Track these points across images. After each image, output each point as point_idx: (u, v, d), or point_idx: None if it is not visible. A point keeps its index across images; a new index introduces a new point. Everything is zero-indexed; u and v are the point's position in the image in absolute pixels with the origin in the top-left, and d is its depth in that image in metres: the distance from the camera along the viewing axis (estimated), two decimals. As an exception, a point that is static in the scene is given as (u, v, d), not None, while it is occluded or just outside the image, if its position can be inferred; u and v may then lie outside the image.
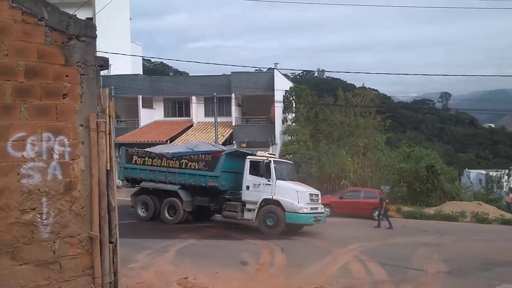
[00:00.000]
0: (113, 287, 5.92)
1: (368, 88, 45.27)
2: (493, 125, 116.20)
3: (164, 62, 79.52)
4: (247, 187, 15.99)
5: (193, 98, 32.98)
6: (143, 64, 45.79)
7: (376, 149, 28.79)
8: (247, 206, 16.02)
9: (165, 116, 34.94)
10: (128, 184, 18.63)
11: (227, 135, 30.86)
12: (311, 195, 15.96)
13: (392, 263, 11.32)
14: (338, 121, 29.86)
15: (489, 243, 16.27)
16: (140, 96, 32.66)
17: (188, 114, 34.39)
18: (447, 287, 8.95)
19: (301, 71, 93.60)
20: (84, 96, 5.66)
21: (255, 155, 16.76)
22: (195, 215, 17.76)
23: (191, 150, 17.24)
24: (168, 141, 29.54)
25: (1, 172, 5.02)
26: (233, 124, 31.71)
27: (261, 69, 33.43)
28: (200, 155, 16.69)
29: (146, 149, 17.94)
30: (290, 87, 34.66)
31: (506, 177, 35.86)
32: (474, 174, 53.71)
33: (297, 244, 14.25)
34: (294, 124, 32.52)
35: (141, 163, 17.52)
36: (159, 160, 17.21)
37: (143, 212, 17.48)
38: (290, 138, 30.71)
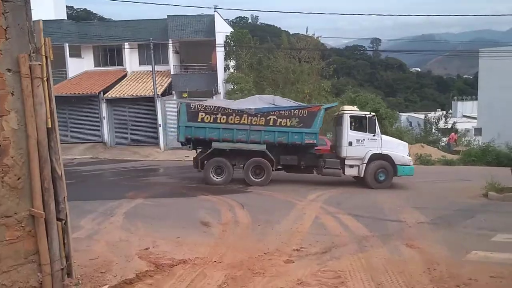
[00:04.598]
0: (66, 274, 4.77)
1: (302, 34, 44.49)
2: (419, 69, 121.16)
3: (88, 9, 73.96)
4: (350, 143, 15.32)
5: (126, 44, 30.47)
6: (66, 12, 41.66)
7: (321, 95, 28.39)
8: (348, 162, 15.42)
9: (95, 65, 32.17)
10: (190, 146, 16.21)
11: (166, 84, 29.00)
12: None
13: (365, 214, 10.84)
14: (282, 68, 28.89)
15: (446, 184, 16.44)
16: (67, 44, 29.68)
17: (120, 63, 31.85)
18: (440, 241, 8.45)
19: (234, 18, 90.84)
20: (10, 31, 4.24)
21: (347, 110, 16.00)
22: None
23: (277, 106, 15.53)
24: (101, 92, 27.36)
25: None
26: (172, 72, 29.82)
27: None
28: (292, 110, 15.17)
29: (217, 105, 15.65)
30: (231, 32, 32.98)
31: (444, 118, 37.25)
32: (404, 117, 55.76)
33: (253, 197, 13.51)
34: (236, 71, 31.16)
35: (211, 121, 15.30)
36: (238, 117, 15.18)
37: (217, 176, 15.60)
38: (233, 87, 29.47)
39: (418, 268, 6.96)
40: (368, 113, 16.18)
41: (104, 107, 27.67)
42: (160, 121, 26.62)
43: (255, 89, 27.82)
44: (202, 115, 15.38)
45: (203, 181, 15.80)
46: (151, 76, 27.42)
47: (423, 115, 47.35)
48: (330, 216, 10.71)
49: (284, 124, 15.25)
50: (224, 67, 31.50)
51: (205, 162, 15.71)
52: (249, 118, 15.29)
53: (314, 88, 28.48)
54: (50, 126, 4.52)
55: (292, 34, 44.84)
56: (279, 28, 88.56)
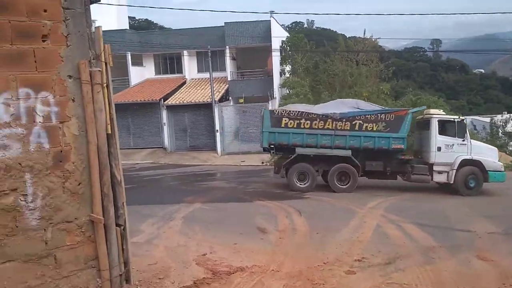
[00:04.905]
0: (124, 281, 4.76)
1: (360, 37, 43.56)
2: (483, 71, 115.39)
3: (150, 19, 76.44)
4: (438, 148, 14.88)
5: (185, 52, 31.16)
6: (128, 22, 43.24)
7: (380, 98, 27.51)
8: (437, 168, 14.97)
9: (156, 73, 33.21)
10: (274, 152, 16.07)
11: (223, 91, 29.36)
12: None
13: (429, 223, 10.27)
14: (339, 71, 28.32)
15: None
16: (129, 53, 30.80)
17: (180, 70, 32.68)
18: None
19: (290, 24, 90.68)
20: (71, 38, 4.29)
21: (434, 114, 15.46)
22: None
23: (362, 110, 15.29)
24: (162, 99, 28.09)
25: (-35, 144, 3.75)
26: (229, 79, 30.14)
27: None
28: (378, 115, 14.91)
29: (299, 110, 15.40)
30: (287, 37, 32.84)
31: (511, 121, 35.04)
32: (468, 120, 53.00)
33: (311, 204, 13.21)
34: (292, 76, 30.92)
35: (295, 126, 15.06)
36: (322, 122, 14.91)
37: (300, 182, 15.26)
38: (288, 91, 29.27)
39: (492, 283, 6.43)
40: (457, 117, 15.45)
41: (164, 113, 28.36)
42: (217, 127, 26.88)
43: (311, 93, 27.45)
44: (285, 120, 15.11)
45: (259, 185, 15.70)
46: (209, 83, 27.80)
47: (489, 118, 44.87)
48: (393, 224, 10.21)
49: (370, 128, 14.78)
50: (280, 72, 31.39)
51: (289, 168, 15.33)
52: (334, 123, 14.90)
53: (372, 91, 27.65)
54: (110, 132, 4.54)
55: (349, 37, 44.06)
56: (335, 31, 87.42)
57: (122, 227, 4.69)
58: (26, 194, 4.07)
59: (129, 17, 45.78)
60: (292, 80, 29.88)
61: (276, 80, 29.89)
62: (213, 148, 27.52)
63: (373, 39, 33.13)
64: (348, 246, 8.33)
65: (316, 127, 15.00)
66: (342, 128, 14.87)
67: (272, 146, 15.67)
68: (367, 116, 14.85)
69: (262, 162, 23.15)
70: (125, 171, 17.00)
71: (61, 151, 4.24)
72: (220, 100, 27.97)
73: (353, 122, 14.83)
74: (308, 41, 35.46)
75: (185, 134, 28.86)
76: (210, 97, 27.13)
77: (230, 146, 27.10)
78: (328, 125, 14.93)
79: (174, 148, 28.67)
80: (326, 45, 36.43)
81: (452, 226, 10.19)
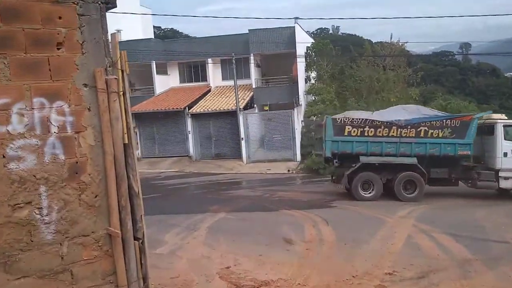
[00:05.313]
0: (144, 297, 4.56)
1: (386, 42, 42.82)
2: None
3: (175, 28, 77.23)
4: (505, 154, 14.52)
5: (209, 60, 31.23)
6: (153, 32, 43.78)
7: (408, 104, 26.90)
8: (503, 174, 14.59)
9: (180, 82, 33.36)
10: (337, 162, 15.42)
11: (248, 98, 29.22)
12: None
13: (464, 233, 9.82)
14: (366, 76, 27.85)
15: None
16: (154, 62, 31.04)
17: (204, 78, 32.75)
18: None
19: (315, 30, 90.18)
20: (86, 46, 4.15)
21: (499, 119, 15.15)
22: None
23: (427, 116, 15.03)
24: (187, 107, 28.13)
25: (-22, 155, 3.63)
26: (253, 86, 30.00)
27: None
28: (444, 121, 14.69)
29: (362, 117, 15.11)
30: (312, 43, 32.55)
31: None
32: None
33: (338, 213, 12.87)
34: (317, 82, 30.57)
35: (358, 134, 14.78)
36: (387, 129, 14.66)
37: (365, 192, 14.89)
38: (314, 98, 28.94)
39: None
40: None
41: (189, 121, 28.38)
42: (242, 134, 26.72)
43: (337, 99, 27.08)
44: (349, 128, 14.83)
45: (285, 194, 15.41)
46: (234, 90, 27.72)
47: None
48: (425, 235, 9.79)
49: (436, 135, 14.49)
50: (305, 79, 31.08)
51: (353, 177, 14.91)
52: (399, 130, 14.62)
53: (401, 97, 27.11)
54: (126, 141, 4.37)
55: (375, 42, 43.48)
56: (361, 37, 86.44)
57: (140, 241, 4.50)
58: (41, 207, 3.94)
59: (154, 26, 46.43)
60: (317, 86, 29.59)
61: (301, 86, 29.58)
62: (238, 156, 27.35)
63: (400, 44, 32.52)
64: (378, 258, 7.98)
65: (381, 134, 14.72)
66: (407, 135, 14.59)
67: (334, 155, 15.22)
68: (432, 122, 14.54)
69: (288, 170, 22.87)
70: (150, 180, 17.08)
71: (77, 162, 4.09)
72: (245, 108, 27.83)
73: (418, 129, 14.52)
74: (334, 47, 35.12)
75: (210, 142, 28.81)
76: (235, 104, 27.02)
77: (255, 154, 26.88)
78: (393, 132, 14.64)
79: (199, 157, 28.64)
80: (352, 50, 35.96)
81: (488, 237, 9.71)
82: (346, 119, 14.95)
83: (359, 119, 14.88)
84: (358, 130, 14.74)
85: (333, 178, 15.89)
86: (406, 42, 33.45)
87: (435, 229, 10.31)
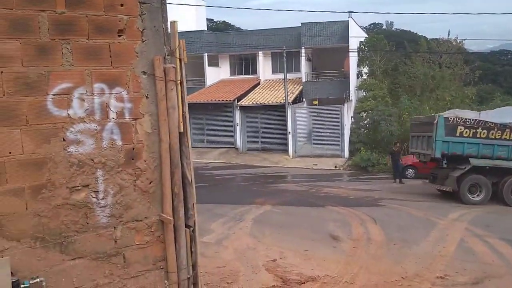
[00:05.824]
0: (192, 284, 4.59)
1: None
2: None
3: (227, 21, 77.72)
4: None
5: (260, 53, 31.23)
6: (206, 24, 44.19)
7: (464, 103, 25.86)
8: None
9: (231, 74, 33.60)
10: (445, 163, 14.80)
11: (297, 92, 29.02)
12: None
13: (520, 239, 9.33)
14: (421, 73, 26.93)
15: None
16: (206, 54, 31.40)
17: (254, 71, 32.81)
18: None
19: (368, 25, 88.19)
20: (146, 33, 4.18)
21: None
22: None
23: None
24: (236, 100, 28.29)
25: (40, 138, 3.73)
26: (303, 80, 29.74)
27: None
28: None
29: (474, 118, 14.80)
30: (365, 37, 31.84)
31: None
32: None
33: (387, 212, 12.55)
34: (369, 78, 29.89)
35: (470, 135, 14.24)
36: (500, 131, 14.19)
37: (473, 195, 14.39)
38: (365, 94, 28.34)
39: None
40: None
41: (237, 114, 28.55)
42: (290, 129, 26.58)
43: (389, 96, 26.37)
44: (461, 129, 14.27)
45: (331, 190, 15.21)
46: (283, 83, 27.59)
47: None
48: (479, 239, 9.37)
49: None
50: (357, 74, 30.48)
51: (461, 180, 14.37)
52: None
53: (456, 96, 26.05)
54: (182, 130, 4.40)
55: (430, 39, 41.97)
56: (416, 33, 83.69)
57: (191, 229, 4.53)
58: (98, 191, 4.01)
59: (207, 19, 46.84)
60: (369, 82, 28.95)
61: (353, 82, 29.06)
62: (285, 150, 27.24)
63: (458, 41, 31.20)
64: (429, 260, 7.71)
65: (493, 137, 14.21)
66: None
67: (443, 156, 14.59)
68: None
69: (335, 166, 22.57)
70: (198, 170, 17.29)
71: (133, 149, 4.15)
72: (294, 102, 27.66)
73: None
74: (388, 42, 34.22)
75: (257, 135, 28.87)
76: (284, 98, 26.91)
77: (302, 149, 26.67)
78: (506, 135, 14.18)
79: (245, 149, 28.77)
80: (406, 46, 34.89)
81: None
82: (458, 119, 14.36)
83: (472, 119, 14.40)
84: (470, 131, 14.16)
85: (432, 178, 15.42)
86: (464, 39, 32.07)
87: (489, 233, 9.85)
